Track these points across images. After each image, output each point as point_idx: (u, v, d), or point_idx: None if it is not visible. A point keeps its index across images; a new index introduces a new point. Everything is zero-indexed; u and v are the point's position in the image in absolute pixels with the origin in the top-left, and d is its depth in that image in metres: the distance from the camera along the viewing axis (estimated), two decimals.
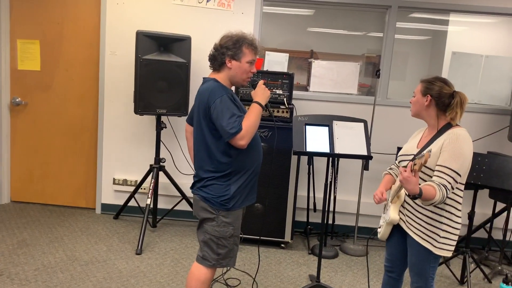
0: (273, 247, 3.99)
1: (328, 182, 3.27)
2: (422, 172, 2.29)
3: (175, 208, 4.35)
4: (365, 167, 4.00)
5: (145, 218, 3.87)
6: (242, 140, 2.26)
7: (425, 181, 2.26)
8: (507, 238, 3.84)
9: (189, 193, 4.29)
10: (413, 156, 2.36)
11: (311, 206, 4.27)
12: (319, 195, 4.25)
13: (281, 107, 3.76)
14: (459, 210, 2.30)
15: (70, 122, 4.50)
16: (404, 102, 4.27)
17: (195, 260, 2.55)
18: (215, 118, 2.27)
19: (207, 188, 2.40)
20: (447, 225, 2.27)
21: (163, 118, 4.12)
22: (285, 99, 3.78)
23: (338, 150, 3.01)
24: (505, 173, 3.30)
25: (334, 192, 4.19)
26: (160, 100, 3.88)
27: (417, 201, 2.30)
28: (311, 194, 4.25)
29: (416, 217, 2.33)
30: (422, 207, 2.30)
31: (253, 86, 2.51)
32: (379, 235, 2.58)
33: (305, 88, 4.49)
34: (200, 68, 4.22)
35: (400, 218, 2.41)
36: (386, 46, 4.26)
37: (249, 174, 2.44)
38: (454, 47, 5.15)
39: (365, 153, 3.05)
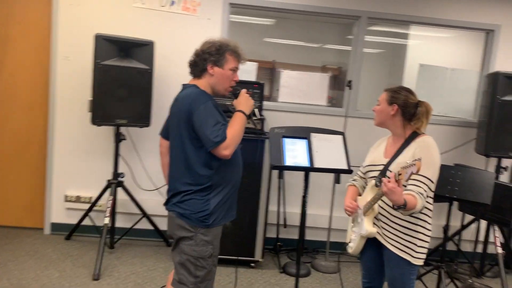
0: (243, 267, 3.76)
1: (306, 197, 3.11)
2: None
3: (134, 227, 4.02)
4: (337, 180, 3.88)
5: (103, 239, 3.52)
6: (227, 149, 2.09)
7: None
8: (475, 250, 3.85)
9: (149, 210, 4.01)
10: (382, 166, 2.32)
11: (281, 222, 4.09)
12: (289, 210, 4.09)
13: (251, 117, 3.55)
14: (430, 218, 2.31)
15: (15, 133, 4.06)
16: (367, 114, 4.22)
17: (168, 284, 2.30)
18: (198, 126, 2.09)
19: (184, 203, 2.19)
20: (423, 233, 2.27)
21: (122, 129, 3.80)
22: (256, 109, 3.57)
23: (317, 164, 2.86)
24: (477, 186, 3.28)
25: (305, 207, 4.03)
26: (120, 109, 3.57)
27: (393, 211, 2.25)
28: (281, 209, 4.07)
29: (392, 228, 2.28)
30: (398, 218, 2.26)
31: (235, 95, 2.34)
32: (350, 250, 2.51)
33: (269, 98, 4.35)
34: (164, 75, 3.95)
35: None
36: (356, 57, 4.18)
37: (230, 188, 2.26)
38: (414, 60, 5.23)
39: (345, 166, 2.91)
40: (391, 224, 2.28)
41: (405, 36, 5.33)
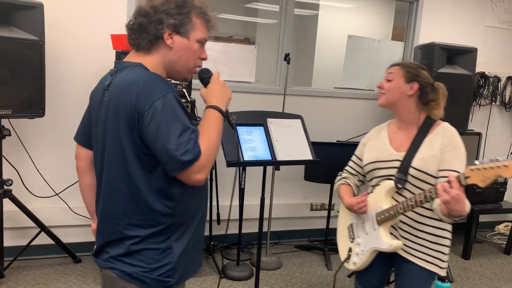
0: None
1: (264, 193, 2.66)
2: (419, 180, 1.87)
3: (30, 244, 3.13)
4: (276, 167, 3.47)
5: None
6: (201, 172, 1.34)
7: (423, 189, 1.84)
8: None
9: (48, 221, 3.17)
10: (398, 162, 1.91)
11: (214, 217, 3.57)
12: (222, 203, 3.60)
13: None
14: None
15: None
16: (305, 91, 3.87)
17: None
18: (154, 136, 1.32)
19: (133, 256, 1.43)
20: (448, 238, 1.94)
21: (4, 122, 2.87)
22: (184, 90, 2.96)
23: (280, 156, 2.39)
24: None
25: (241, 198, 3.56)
26: (1, 96, 2.65)
27: (418, 217, 1.88)
28: (215, 203, 3.55)
29: (417, 238, 1.91)
30: (425, 224, 1.90)
31: (204, 80, 1.54)
32: (353, 267, 2.06)
33: None
34: (59, 48, 3.08)
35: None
36: (286, 29, 3.72)
37: (197, 224, 1.52)
38: (324, 31, 5.03)
39: (310, 157, 2.50)
40: (416, 233, 1.90)
41: (315, 7, 5.09)
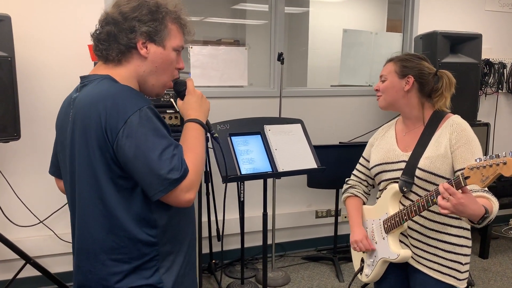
0: None
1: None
2: (427, 182, 1.68)
3: (16, 278, 2.88)
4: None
5: None
6: (191, 191, 1.18)
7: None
8: None
9: (33, 251, 2.91)
10: (404, 163, 1.73)
11: (214, 233, 3.32)
12: (219, 217, 3.35)
13: (167, 111, 2.68)
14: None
15: None
16: (301, 91, 3.63)
17: None
18: (132, 155, 1.15)
19: None
20: (466, 246, 1.72)
21: None
22: (172, 100, 2.71)
23: (281, 166, 2.16)
24: None
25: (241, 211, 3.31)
26: None
27: (428, 223, 1.69)
28: (213, 218, 3.30)
29: (429, 246, 1.71)
30: (436, 231, 1.70)
31: (179, 92, 1.39)
32: (366, 279, 1.89)
33: None
34: (31, 63, 2.84)
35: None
36: (277, 29, 3.49)
37: (186, 250, 1.36)
38: (317, 28, 4.83)
39: (314, 165, 2.26)
40: (428, 241, 1.71)
41: (306, 4, 4.88)
